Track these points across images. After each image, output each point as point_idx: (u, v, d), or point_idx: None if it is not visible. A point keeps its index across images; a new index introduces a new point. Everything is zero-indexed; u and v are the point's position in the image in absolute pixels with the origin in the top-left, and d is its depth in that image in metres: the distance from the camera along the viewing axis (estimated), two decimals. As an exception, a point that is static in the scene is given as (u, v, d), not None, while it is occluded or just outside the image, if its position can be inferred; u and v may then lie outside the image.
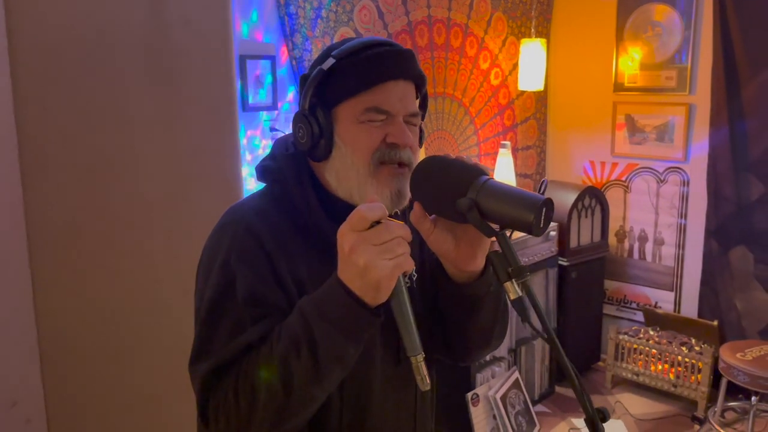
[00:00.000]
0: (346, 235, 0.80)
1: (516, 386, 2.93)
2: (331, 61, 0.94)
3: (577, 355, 3.49)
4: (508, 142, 3.24)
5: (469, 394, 2.72)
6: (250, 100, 2.26)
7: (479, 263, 0.93)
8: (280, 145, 1.03)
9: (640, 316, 3.58)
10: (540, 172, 3.82)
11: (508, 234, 0.84)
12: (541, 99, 3.73)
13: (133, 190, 1.79)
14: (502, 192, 0.82)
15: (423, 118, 1.05)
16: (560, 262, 3.28)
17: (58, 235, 1.73)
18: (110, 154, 1.75)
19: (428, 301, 1.03)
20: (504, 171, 3.21)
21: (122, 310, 1.83)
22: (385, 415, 1.00)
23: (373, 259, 0.78)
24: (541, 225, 0.80)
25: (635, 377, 3.31)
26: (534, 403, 3.17)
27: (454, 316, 1.00)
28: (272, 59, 2.32)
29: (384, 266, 0.79)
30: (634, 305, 3.63)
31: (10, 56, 1.59)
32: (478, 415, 2.73)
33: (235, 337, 0.87)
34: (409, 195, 0.94)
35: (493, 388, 2.82)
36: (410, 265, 0.81)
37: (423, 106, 1.04)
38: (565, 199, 3.34)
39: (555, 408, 3.22)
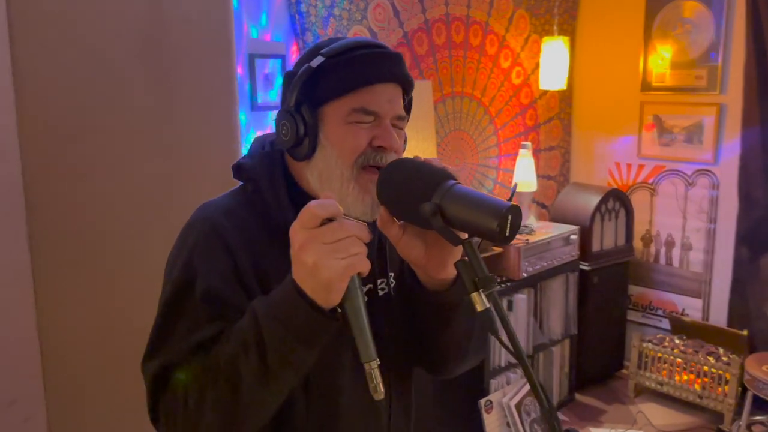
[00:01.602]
0: (297, 233, 0.77)
1: (532, 394, 2.85)
2: (319, 59, 0.91)
3: (599, 362, 3.39)
4: (528, 143, 3.16)
5: (483, 401, 2.66)
6: (259, 100, 2.24)
7: (450, 271, 0.88)
8: (257, 144, 1.01)
9: (666, 324, 3.46)
10: (564, 173, 3.73)
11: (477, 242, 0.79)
12: (565, 98, 3.63)
13: (132, 189, 1.78)
14: (467, 197, 0.77)
15: (406, 122, 1.02)
16: (581, 267, 3.19)
17: (59, 234, 1.73)
18: (110, 152, 1.75)
19: (406, 309, 0.99)
20: (525, 172, 3.14)
21: (122, 309, 1.83)
22: (355, 424, 0.96)
23: (323, 258, 0.74)
24: (507, 233, 0.75)
25: (659, 387, 3.20)
26: (552, 410, 3.09)
27: (427, 325, 0.96)
28: (282, 58, 2.29)
29: (334, 266, 0.75)
30: (660, 312, 3.51)
31: (11, 55, 1.60)
32: (491, 422, 2.67)
33: (189, 336, 0.85)
34: None
35: (507, 394, 2.75)
36: (364, 266, 0.77)
37: (407, 110, 1.02)
38: (587, 202, 3.25)
39: (574, 416, 3.13)
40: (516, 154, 3.24)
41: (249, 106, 2.22)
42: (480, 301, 0.78)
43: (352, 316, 0.78)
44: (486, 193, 3.08)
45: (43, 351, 1.75)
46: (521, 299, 2.82)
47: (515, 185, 0.77)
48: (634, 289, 3.57)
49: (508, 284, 2.77)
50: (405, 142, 1.02)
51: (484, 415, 2.66)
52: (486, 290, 0.77)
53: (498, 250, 2.79)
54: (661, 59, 3.34)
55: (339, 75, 0.91)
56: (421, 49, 2.79)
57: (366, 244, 0.91)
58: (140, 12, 1.68)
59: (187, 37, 1.74)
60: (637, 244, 3.53)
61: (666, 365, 3.17)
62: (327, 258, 0.74)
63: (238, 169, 0.98)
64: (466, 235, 0.79)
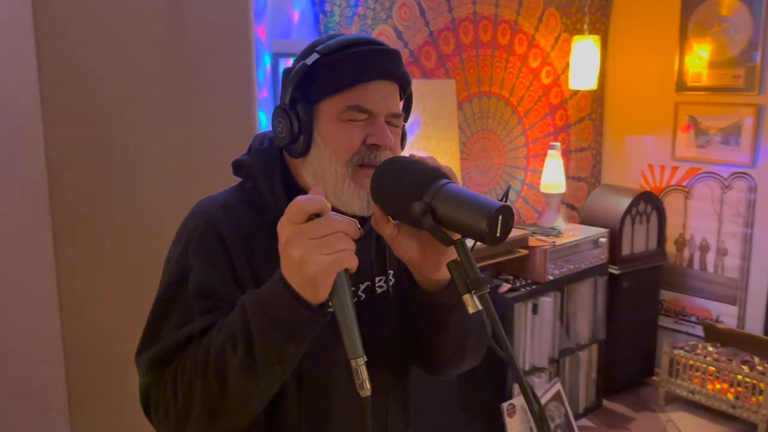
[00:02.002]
0: (284, 228, 0.77)
1: (557, 398, 2.80)
2: (314, 56, 0.91)
3: (629, 368, 3.32)
4: (558, 144, 3.11)
5: (505, 405, 2.62)
6: (282, 98, 2.25)
7: (445, 272, 0.86)
8: (256, 140, 1.01)
9: (699, 330, 3.36)
10: (595, 175, 3.66)
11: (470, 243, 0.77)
12: (597, 99, 3.56)
13: (153, 185, 1.81)
14: (458, 197, 0.76)
15: (406, 121, 1.00)
16: (611, 270, 3.12)
17: (82, 229, 1.77)
18: (131, 149, 1.77)
19: (405, 307, 0.98)
20: (553, 173, 3.09)
21: (143, 301, 1.85)
22: (349, 421, 0.95)
23: (309, 253, 0.74)
24: (497, 234, 0.73)
25: (690, 395, 3.11)
26: (578, 417, 3.03)
27: (423, 326, 0.94)
28: (306, 57, 2.30)
29: (320, 261, 0.74)
30: (693, 318, 3.42)
31: (37, 54, 1.64)
32: (513, 426, 2.63)
33: (181, 328, 0.86)
34: None
35: (531, 399, 2.70)
36: (352, 262, 0.77)
37: (407, 108, 1.01)
38: (617, 205, 3.18)
39: (601, 423, 3.06)
40: (545, 154, 3.20)
41: (272, 105, 2.23)
42: (472, 303, 0.76)
43: (339, 312, 0.77)
44: (512, 194, 3.02)
45: (65, 343, 1.79)
46: (547, 302, 2.78)
47: (508, 186, 0.75)
48: (666, 295, 3.47)
49: (533, 287, 2.73)
50: (404, 139, 1.01)
51: (507, 419, 2.62)
52: (478, 292, 0.75)
53: (523, 252, 2.75)
54: (698, 59, 3.25)
55: (333, 72, 0.91)
56: (448, 48, 2.76)
57: (363, 241, 0.90)
58: (160, 11, 1.71)
59: (206, 36, 1.75)
60: (670, 248, 3.44)
61: (698, 373, 3.08)
62: (313, 253, 0.74)
63: (238, 166, 0.98)
64: (459, 236, 0.77)
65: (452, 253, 0.84)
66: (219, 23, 1.75)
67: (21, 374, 1.72)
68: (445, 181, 0.78)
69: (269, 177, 0.94)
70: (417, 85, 2.22)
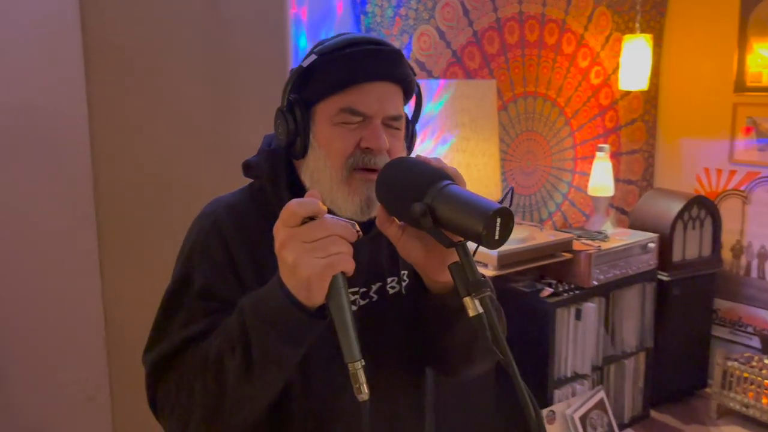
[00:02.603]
0: (278, 231, 0.77)
1: (600, 407, 2.73)
2: (312, 58, 0.92)
3: (679, 379, 3.20)
4: (606, 146, 3.03)
5: (545, 411, 2.57)
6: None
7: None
8: (264, 141, 1.02)
9: (756, 342, 3.21)
10: (647, 178, 3.55)
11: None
12: (650, 99, 3.45)
13: (192, 183, 1.86)
14: (457, 198, 0.75)
15: (415, 122, 0.99)
16: (660, 277, 3.02)
17: (125, 226, 1.83)
18: (171, 148, 1.83)
19: (415, 308, 0.97)
20: (601, 176, 3.01)
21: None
22: (356, 423, 0.95)
23: (302, 257, 0.74)
24: (496, 237, 0.72)
25: (744, 409, 2.97)
26: (622, 426, 2.94)
27: (431, 327, 0.94)
28: (346, 58, 2.32)
29: (313, 265, 0.74)
30: (750, 329, 3.27)
31: (84, 57, 1.71)
32: (552, 433, 2.58)
33: (184, 329, 0.87)
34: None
35: (572, 406, 2.65)
36: (347, 266, 0.76)
37: (417, 108, 0.99)
38: (668, 209, 3.07)
39: (647, 434, 2.97)
40: (593, 157, 3.12)
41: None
42: (472, 306, 0.75)
43: (335, 316, 0.77)
44: (558, 196, 2.96)
45: (108, 335, 1.86)
46: (590, 308, 2.71)
47: (510, 187, 0.73)
48: (720, 303, 3.33)
49: (577, 292, 2.67)
50: (413, 139, 1.00)
51: (546, 426, 2.57)
52: (478, 295, 0.74)
53: (567, 256, 2.69)
54: (759, 58, 3.11)
55: (327, 74, 0.91)
56: (492, 48, 2.73)
57: (374, 242, 0.90)
58: (199, 12, 1.75)
59: (244, 37, 1.79)
60: (726, 255, 3.30)
61: (753, 386, 2.94)
62: (306, 257, 0.74)
63: (247, 167, 1.00)
64: (462, 238, 0.77)
65: (456, 255, 0.84)
66: (256, 25, 1.78)
67: (66, 364, 1.80)
68: (447, 182, 0.78)
69: (274, 178, 0.95)
70: (456, 86, 2.21)
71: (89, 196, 1.77)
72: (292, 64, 1.89)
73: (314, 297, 0.76)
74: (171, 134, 1.82)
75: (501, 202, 0.73)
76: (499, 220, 0.71)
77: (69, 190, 1.73)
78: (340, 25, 2.31)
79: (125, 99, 1.76)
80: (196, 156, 1.86)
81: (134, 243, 1.86)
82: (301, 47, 2.18)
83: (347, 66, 0.90)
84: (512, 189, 0.80)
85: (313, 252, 0.74)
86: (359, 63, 0.90)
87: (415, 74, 0.97)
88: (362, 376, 0.75)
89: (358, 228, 0.78)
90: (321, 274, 0.74)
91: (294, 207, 0.76)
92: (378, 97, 0.91)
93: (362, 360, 0.75)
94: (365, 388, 0.75)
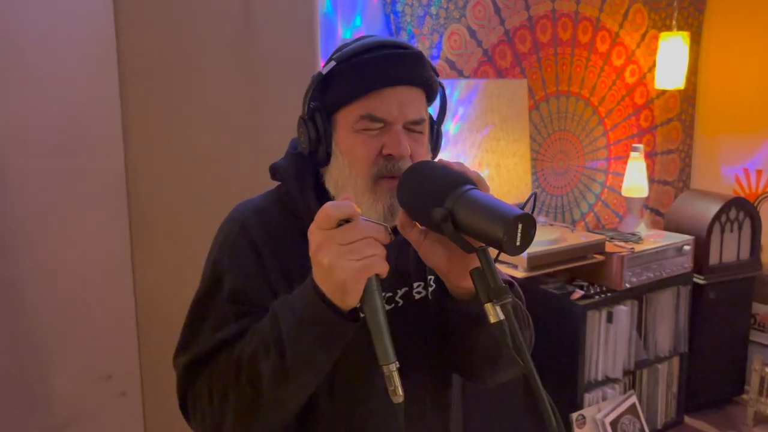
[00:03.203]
0: (313, 234, 0.77)
1: (631, 412, 2.68)
2: (331, 64, 0.91)
3: (714, 385, 3.12)
4: (640, 146, 2.96)
5: (575, 415, 2.54)
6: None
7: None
8: (291, 144, 1.02)
9: (797, 348, 3.12)
10: (683, 179, 3.47)
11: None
12: (687, 98, 3.37)
13: (223, 181, 1.88)
14: (478, 203, 0.74)
15: (440, 124, 0.98)
16: (695, 280, 2.95)
17: (156, 222, 1.86)
18: (203, 147, 1.85)
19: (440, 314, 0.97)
20: (635, 176, 2.95)
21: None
22: (383, 427, 0.95)
23: (337, 260, 0.74)
24: (517, 243, 0.71)
25: (783, 417, 2.89)
26: (655, 432, 2.89)
27: (455, 333, 0.93)
28: (376, 58, 2.31)
29: (349, 267, 0.74)
30: (790, 335, 3.17)
31: (118, 56, 1.74)
32: (582, 438, 2.54)
33: (215, 333, 0.88)
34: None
35: (603, 410, 2.61)
36: (382, 268, 0.76)
37: (442, 111, 0.98)
38: (705, 211, 2.99)
39: (680, 440, 2.91)
40: (627, 157, 3.06)
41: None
42: (493, 313, 0.74)
43: (370, 318, 0.77)
44: (590, 197, 2.91)
45: (139, 330, 1.89)
46: (623, 311, 2.66)
47: (533, 192, 0.71)
48: (759, 308, 3.24)
49: (608, 294, 2.62)
50: (438, 140, 0.99)
51: (576, 430, 2.53)
52: (499, 301, 0.73)
53: (599, 257, 2.65)
54: (803, 55, 3.01)
55: (346, 81, 0.90)
56: (524, 47, 2.70)
57: (401, 247, 0.90)
58: (231, 13, 1.77)
59: (274, 38, 1.80)
60: (766, 258, 3.21)
61: (792, 394, 2.86)
62: (341, 259, 0.74)
63: (272, 170, 1.00)
64: (482, 243, 0.76)
65: (478, 261, 0.83)
66: (286, 26, 1.79)
67: (98, 359, 1.83)
68: (469, 187, 0.77)
69: (301, 182, 0.95)
70: (486, 85, 2.19)
71: (122, 195, 1.80)
72: (321, 66, 1.90)
73: (349, 299, 0.76)
74: (203, 134, 1.84)
75: (523, 207, 0.72)
76: (520, 226, 0.70)
77: (102, 189, 1.76)
78: (371, 25, 2.31)
79: (157, 100, 1.78)
80: (227, 156, 1.88)
81: (165, 241, 1.88)
82: (330, 48, 2.19)
83: (366, 72, 0.89)
84: (535, 194, 0.79)
85: (348, 254, 0.74)
86: (378, 68, 0.89)
87: (437, 75, 0.96)
88: (397, 378, 0.74)
89: (390, 231, 0.78)
90: (356, 276, 0.74)
91: (329, 210, 0.75)
92: (398, 102, 0.89)
93: (397, 362, 0.74)
94: (400, 390, 0.74)
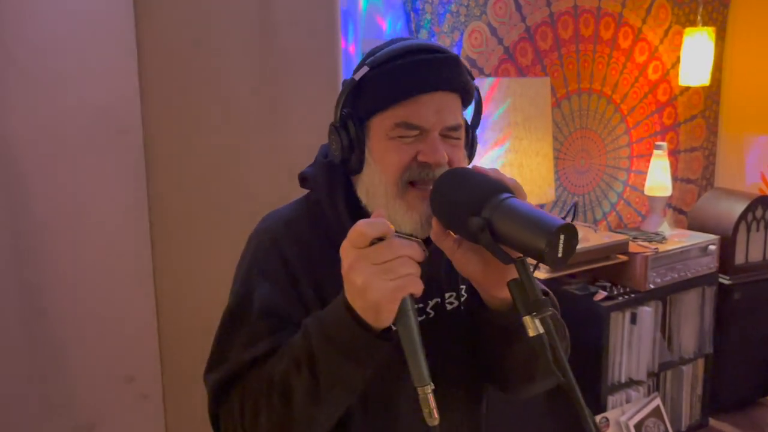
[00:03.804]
0: (346, 252, 0.75)
1: (656, 414, 2.64)
2: (364, 70, 0.88)
3: (740, 387, 3.07)
4: (664, 143, 2.91)
5: (598, 417, 2.50)
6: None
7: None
8: (320, 152, 1.00)
9: (824, 350, 3.05)
10: (707, 177, 3.41)
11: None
12: (711, 95, 3.31)
13: (243, 184, 1.86)
14: (518, 213, 0.71)
15: (475, 128, 0.95)
16: (721, 280, 2.90)
17: (178, 226, 1.85)
18: (223, 150, 1.84)
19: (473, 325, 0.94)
20: (658, 175, 2.90)
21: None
22: None
23: (371, 279, 0.72)
24: (559, 254, 0.68)
25: (811, 420, 2.84)
26: (680, 435, 2.84)
27: (489, 345, 0.90)
28: (396, 56, 2.29)
29: (383, 287, 0.72)
30: (817, 336, 3.10)
31: (138, 59, 1.73)
32: (606, 441, 2.50)
33: (247, 349, 0.86)
34: None
35: (627, 413, 2.57)
36: (416, 288, 0.74)
37: (477, 115, 0.95)
38: (730, 210, 2.94)
39: (705, 443, 2.86)
40: (650, 154, 3.01)
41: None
42: (532, 326, 0.71)
43: (404, 338, 0.74)
44: (613, 195, 2.86)
45: (161, 333, 1.88)
46: (646, 312, 2.62)
47: (574, 202, 0.69)
48: (786, 309, 3.18)
49: (632, 295, 2.58)
50: (474, 145, 0.96)
51: (599, 433, 2.50)
52: (538, 315, 0.71)
53: (622, 258, 2.61)
54: (831, 50, 2.94)
55: (380, 87, 0.87)
56: (545, 44, 2.66)
57: (432, 256, 0.87)
58: (251, 13, 1.75)
59: (294, 38, 1.78)
60: (792, 258, 3.14)
61: (821, 397, 2.80)
62: (375, 279, 0.72)
63: (301, 178, 0.98)
64: (520, 254, 0.73)
65: (515, 271, 0.80)
66: (307, 28, 1.77)
67: (120, 362, 1.83)
68: (507, 195, 0.74)
69: (331, 192, 0.92)
70: (509, 84, 2.16)
71: (142, 197, 1.79)
72: (343, 66, 1.88)
73: (383, 319, 0.74)
74: (223, 136, 1.83)
75: (564, 217, 0.69)
76: (562, 237, 0.67)
77: (122, 192, 1.76)
78: (391, 23, 2.29)
79: (177, 102, 1.77)
80: (247, 158, 1.87)
81: (186, 243, 1.87)
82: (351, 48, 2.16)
83: (401, 78, 0.86)
84: (576, 204, 0.76)
85: (382, 274, 0.72)
86: (413, 74, 0.86)
87: (473, 78, 0.93)
88: (432, 401, 0.72)
89: (424, 247, 0.75)
90: (391, 296, 0.72)
91: (363, 228, 0.73)
92: (435, 108, 0.86)
93: (432, 384, 0.72)
94: (436, 413, 0.72)
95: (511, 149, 2.09)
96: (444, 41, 2.36)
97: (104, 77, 1.68)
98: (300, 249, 0.90)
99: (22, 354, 1.66)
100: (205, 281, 1.87)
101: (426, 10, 2.31)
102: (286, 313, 0.87)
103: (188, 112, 1.80)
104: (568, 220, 0.70)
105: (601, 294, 2.54)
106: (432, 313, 0.94)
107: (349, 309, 0.75)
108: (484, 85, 2.13)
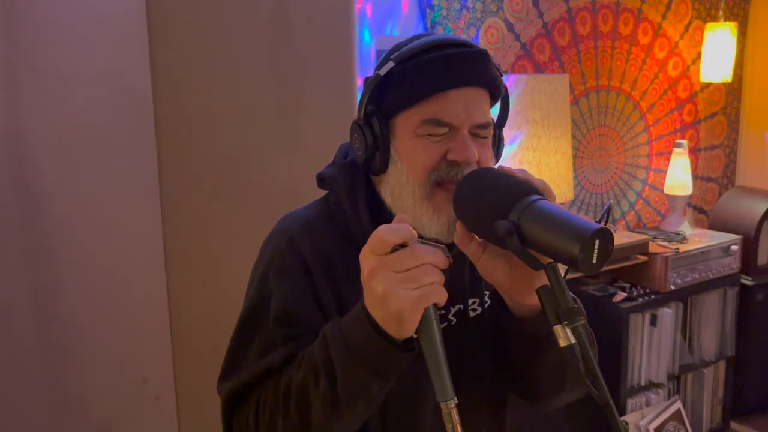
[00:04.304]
0: (366, 258, 0.71)
1: (676, 418, 2.59)
2: (390, 65, 0.84)
3: (763, 389, 3.00)
4: (684, 141, 2.86)
5: (617, 421, 2.45)
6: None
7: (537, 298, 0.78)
8: (340, 151, 0.96)
9: None
10: (728, 175, 3.34)
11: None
12: (732, 92, 3.24)
13: (257, 183, 1.84)
14: (549, 216, 0.67)
15: (502, 126, 0.91)
16: (743, 281, 2.83)
17: (190, 225, 1.83)
18: (237, 149, 1.81)
19: (498, 333, 0.90)
20: (678, 173, 2.85)
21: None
22: None
23: (393, 288, 0.68)
24: (594, 260, 0.64)
25: (836, 425, 2.77)
26: (700, 439, 2.79)
27: (515, 354, 0.86)
28: (411, 53, 2.25)
29: (405, 297, 0.68)
30: (842, 338, 3.03)
31: (150, 57, 1.70)
32: (625, 445, 2.45)
33: (262, 357, 0.82)
34: None
35: (646, 417, 2.52)
36: (440, 297, 0.70)
37: (504, 111, 0.91)
38: (753, 209, 2.87)
39: (727, 448, 2.80)
40: (670, 152, 2.95)
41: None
42: (563, 335, 0.67)
43: (427, 350, 0.70)
44: (632, 195, 2.81)
45: (173, 334, 1.86)
46: (666, 314, 2.56)
47: (608, 204, 0.64)
48: (809, 310, 3.11)
49: (652, 297, 2.53)
50: (500, 144, 0.92)
51: (618, 437, 2.45)
52: (570, 324, 0.67)
53: (642, 258, 2.55)
54: None
55: (407, 83, 0.82)
56: (563, 40, 2.61)
57: (454, 260, 0.84)
58: (265, 11, 1.72)
59: (310, 37, 1.75)
60: (816, 258, 3.07)
61: None
62: (397, 288, 0.68)
63: (320, 179, 0.94)
64: (551, 259, 0.69)
65: (545, 277, 0.76)
66: (322, 26, 1.74)
67: (133, 363, 1.81)
68: (536, 197, 0.70)
69: (352, 193, 0.88)
70: (527, 80, 2.11)
71: (155, 197, 1.77)
72: (358, 62, 1.84)
73: (404, 330, 0.70)
74: (237, 135, 1.80)
75: (599, 221, 0.65)
76: (597, 242, 0.63)
77: (135, 192, 1.73)
78: (406, 20, 2.25)
79: (191, 100, 1.75)
80: (261, 157, 1.84)
81: (199, 243, 1.85)
82: (365, 43, 2.13)
83: (429, 73, 0.82)
84: (610, 205, 0.72)
85: (405, 283, 0.68)
86: (442, 69, 0.82)
87: (502, 74, 0.89)
88: (456, 416, 0.68)
89: (448, 254, 0.71)
90: (413, 306, 0.68)
91: (384, 234, 0.69)
92: (464, 104, 0.82)
93: (455, 398, 0.68)
94: (459, 429, 0.68)
95: (530, 147, 2.04)
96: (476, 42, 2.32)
97: (117, 77, 1.66)
98: (319, 252, 0.86)
99: (36, 356, 1.65)
100: (219, 283, 1.84)
101: (441, 6, 2.27)
102: (303, 321, 0.83)
103: (202, 112, 1.77)
104: (602, 223, 0.65)
105: (621, 295, 2.49)
106: (454, 320, 0.90)
107: (369, 318, 0.72)
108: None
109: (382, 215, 0.87)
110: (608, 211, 0.74)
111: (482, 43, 2.39)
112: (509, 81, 2.09)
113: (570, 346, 0.67)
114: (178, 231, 1.81)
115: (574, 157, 2.70)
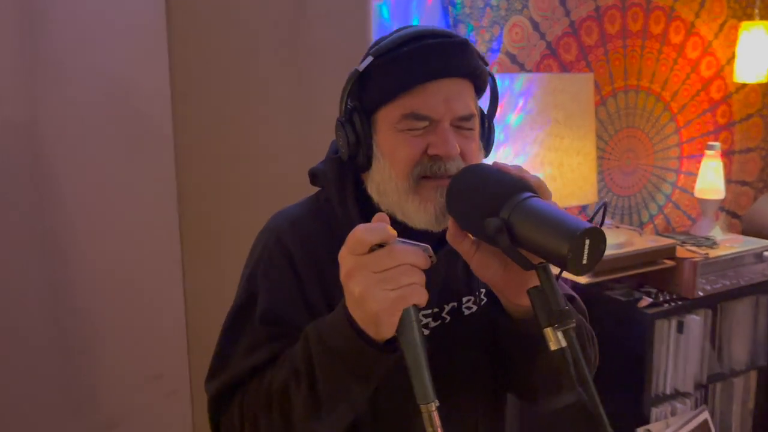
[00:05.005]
0: (344, 259, 0.70)
1: (703, 429, 2.50)
2: (368, 60, 0.83)
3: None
4: (716, 144, 2.77)
5: (641, 430, 2.39)
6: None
7: None
8: (331, 147, 0.95)
9: None
10: (764, 179, 3.23)
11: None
12: (769, 93, 3.14)
13: (274, 183, 1.84)
14: (540, 214, 0.65)
15: (492, 118, 0.89)
16: (776, 289, 2.73)
17: (207, 223, 1.84)
18: (254, 147, 1.82)
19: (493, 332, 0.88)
20: (710, 176, 2.76)
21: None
22: None
23: (370, 289, 0.67)
24: (584, 261, 0.61)
25: None
26: (729, 451, 2.70)
27: (511, 354, 0.83)
28: (433, 52, 2.23)
29: (382, 298, 0.66)
30: None
31: (169, 56, 1.72)
32: (648, 454, 2.39)
33: (249, 356, 0.82)
34: None
35: (671, 426, 2.44)
36: (419, 298, 0.68)
37: (493, 103, 0.89)
38: (788, 214, 2.77)
39: (757, 461, 2.71)
40: (701, 155, 2.87)
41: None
42: (554, 339, 0.65)
43: (407, 352, 0.69)
44: (660, 198, 2.73)
45: (189, 331, 1.88)
46: (694, 321, 2.49)
47: (603, 203, 0.61)
48: None
49: (679, 303, 2.45)
50: (491, 135, 0.90)
51: (642, 446, 2.39)
52: (561, 327, 0.64)
53: (669, 263, 2.48)
54: None
55: (385, 77, 0.82)
56: (590, 39, 2.56)
57: (449, 258, 0.82)
58: (285, 10, 1.72)
59: (327, 34, 1.75)
60: None
61: None
62: (374, 289, 0.67)
63: (311, 175, 0.93)
64: (542, 259, 0.67)
65: (537, 278, 0.73)
66: (339, 25, 1.74)
67: (148, 359, 1.83)
68: (528, 194, 0.67)
69: (340, 189, 0.87)
70: (549, 80, 2.07)
71: (172, 194, 1.78)
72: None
73: (383, 332, 0.69)
74: (255, 132, 1.81)
75: (591, 220, 0.62)
76: (587, 242, 0.60)
77: (152, 189, 1.75)
78: (428, 17, 2.23)
79: (209, 97, 1.76)
80: (278, 154, 1.84)
81: (216, 240, 1.86)
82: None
83: (406, 66, 0.81)
84: (605, 204, 0.69)
85: (382, 284, 0.67)
86: (420, 61, 0.81)
87: (487, 64, 0.86)
88: (437, 419, 0.66)
89: (431, 253, 0.69)
90: (391, 308, 0.67)
91: (361, 233, 0.68)
92: (444, 97, 0.81)
93: (436, 401, 0.66)
94: None
95: (551, 147, 2.00)
96: (483, 36, 2.29)
97: (135, 75, 1.67)
98: (307, 250, 0.86)
99: (52, 351, 1.67)
100: (234, 279, 1.84)
101: (465, 4, 2.24)
102: (290, 318, 0.83)
103: (219, 110, 1.78)
104: (597, 222, 0.63)
105: (646, 300, 2.42)
106: (448, 318, 0.88)
107: (349, 319, 0.71)
108: (522, 79, 2.05)
109: (373, 212, 0.85)
110: (603, 209, 0.71)
111: (506, 42, 2.36)
112: (532, 80, 2.05)
113: (560, 350, 0.65)
114: (195, 228, 1.82)
115: (601, 158, 2.65)
